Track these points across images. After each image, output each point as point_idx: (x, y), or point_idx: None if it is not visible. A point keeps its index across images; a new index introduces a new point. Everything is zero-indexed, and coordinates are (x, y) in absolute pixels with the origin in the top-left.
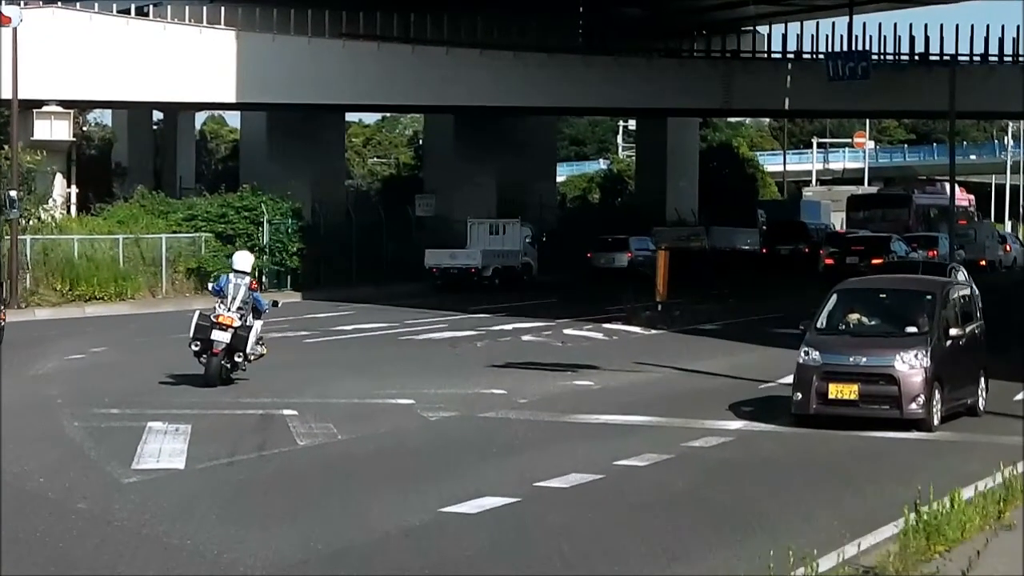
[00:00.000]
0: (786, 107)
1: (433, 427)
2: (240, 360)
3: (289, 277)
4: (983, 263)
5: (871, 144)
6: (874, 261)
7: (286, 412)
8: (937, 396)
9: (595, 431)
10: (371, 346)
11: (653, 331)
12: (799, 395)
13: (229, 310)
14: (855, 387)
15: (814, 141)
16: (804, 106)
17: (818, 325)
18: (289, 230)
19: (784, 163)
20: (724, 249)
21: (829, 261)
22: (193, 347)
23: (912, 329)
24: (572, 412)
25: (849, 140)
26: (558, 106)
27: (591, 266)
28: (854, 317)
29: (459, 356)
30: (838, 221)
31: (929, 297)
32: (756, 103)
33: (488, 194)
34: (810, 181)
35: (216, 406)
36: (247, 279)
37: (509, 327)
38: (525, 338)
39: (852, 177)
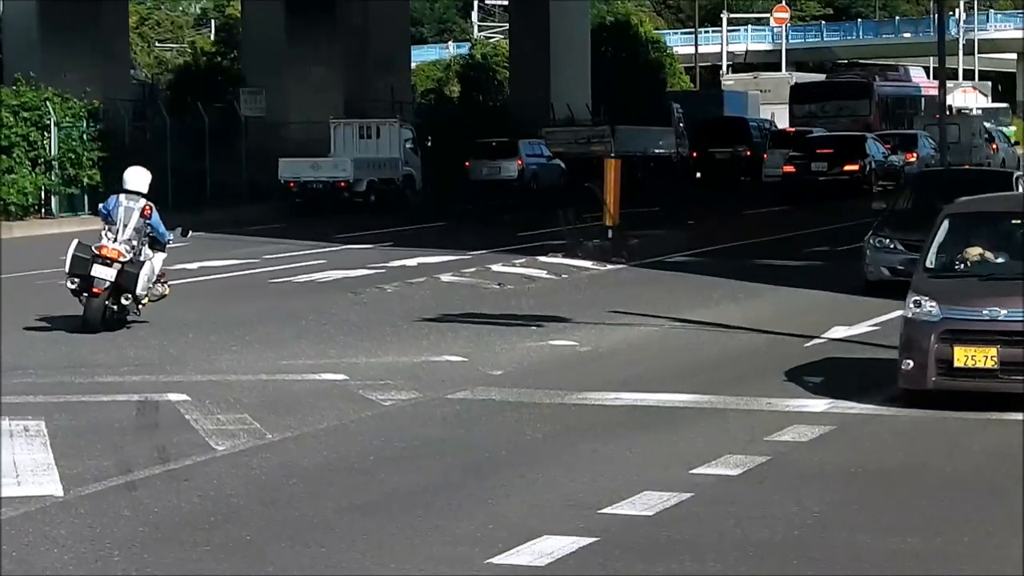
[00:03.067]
0: None
1: (394, 418)
2: (128, 303)
3: (87, 198)
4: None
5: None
6: (847, 168)
7: (173, 397)
8: None
9: (628, 419)
10: (238, 293)
11: (609, 266)
12: (910, 363)
13: (115, 240)
14: (992, 351)
15: (724, 16)
16: None
17: (928, 264)
18: (84, 137)
19: (696, 45)
20: (634, 154)
21: (789, 169)
22: (69, 284)
23: None
24: (577, 390)
25: (751, 16)
26: None
27: (469, 179)
28: (976, 252)
29: (368, 306)
30: (767, 116)
31: None
32: None
33: (330, 89)
34: (718, 67)
35: (68, 389)
36: (141, 202)
37: (413, 263)
38: (445, 278)
39: (761, 61)
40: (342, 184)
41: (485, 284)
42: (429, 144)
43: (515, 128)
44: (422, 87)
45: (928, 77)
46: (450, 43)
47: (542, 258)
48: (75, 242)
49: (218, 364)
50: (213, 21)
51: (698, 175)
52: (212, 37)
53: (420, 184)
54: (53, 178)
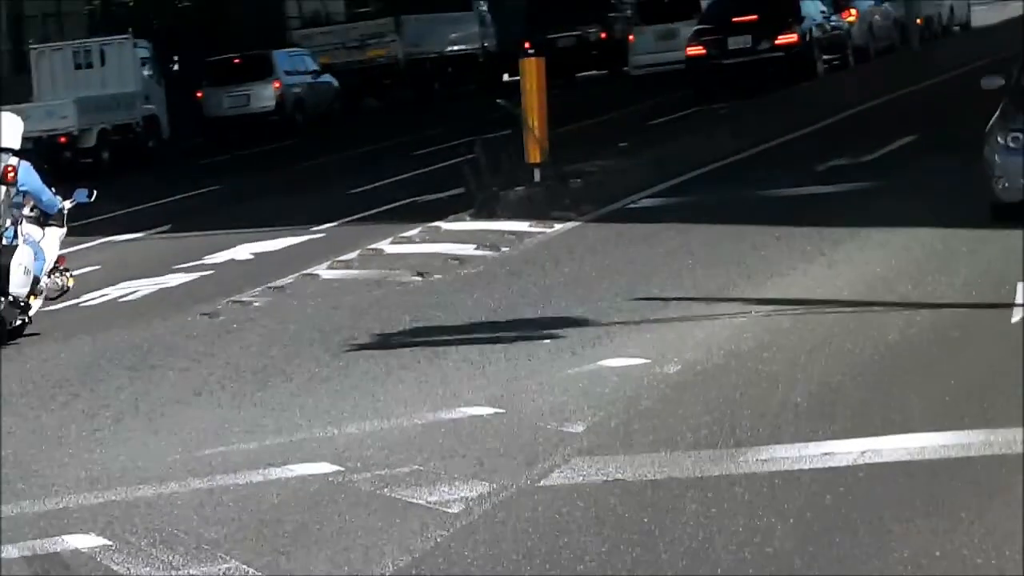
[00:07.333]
0: None
1: (490, 537)
2: (1, 308)
3: None
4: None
5: None
6: (781, 40)
7: (79, 542)
8: None
9: (881, 488)
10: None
11: (557, 225)
12: None
13: None
14: None
15: None
16: None
17: None
18: None
19: None
20: (430, 56)
21: (696, 51)
22: None
23: None
24: (739, 444)
25: None
26: None
27: (204, 115)
28: None
29: (248, 335)
30: None
31: None
32: None
33: None
34: None
35: None
36: (8, 159)
37: (242, 254)
38: (326, 275)
39: None
40: (63, 139)
41: (397, 277)
42: (176, 68)
43: (239, 35)
44: None
45: None
46: None
47: (446, 225)
48: None
49: (101, 467)
50: None
51: (506, 77)
52: None
53: (168, 129)
54: None
